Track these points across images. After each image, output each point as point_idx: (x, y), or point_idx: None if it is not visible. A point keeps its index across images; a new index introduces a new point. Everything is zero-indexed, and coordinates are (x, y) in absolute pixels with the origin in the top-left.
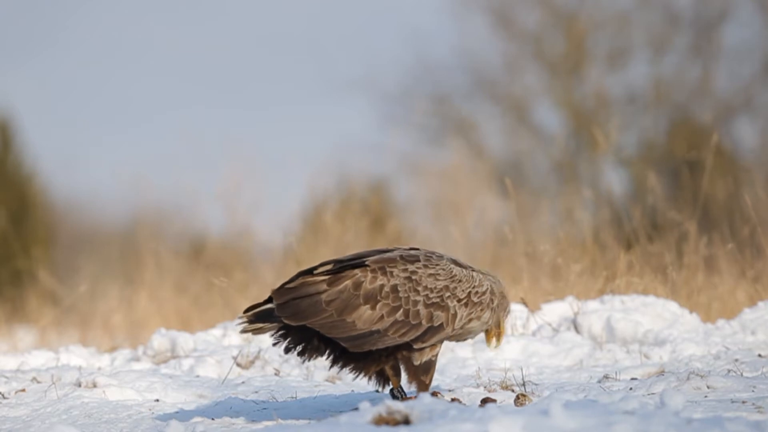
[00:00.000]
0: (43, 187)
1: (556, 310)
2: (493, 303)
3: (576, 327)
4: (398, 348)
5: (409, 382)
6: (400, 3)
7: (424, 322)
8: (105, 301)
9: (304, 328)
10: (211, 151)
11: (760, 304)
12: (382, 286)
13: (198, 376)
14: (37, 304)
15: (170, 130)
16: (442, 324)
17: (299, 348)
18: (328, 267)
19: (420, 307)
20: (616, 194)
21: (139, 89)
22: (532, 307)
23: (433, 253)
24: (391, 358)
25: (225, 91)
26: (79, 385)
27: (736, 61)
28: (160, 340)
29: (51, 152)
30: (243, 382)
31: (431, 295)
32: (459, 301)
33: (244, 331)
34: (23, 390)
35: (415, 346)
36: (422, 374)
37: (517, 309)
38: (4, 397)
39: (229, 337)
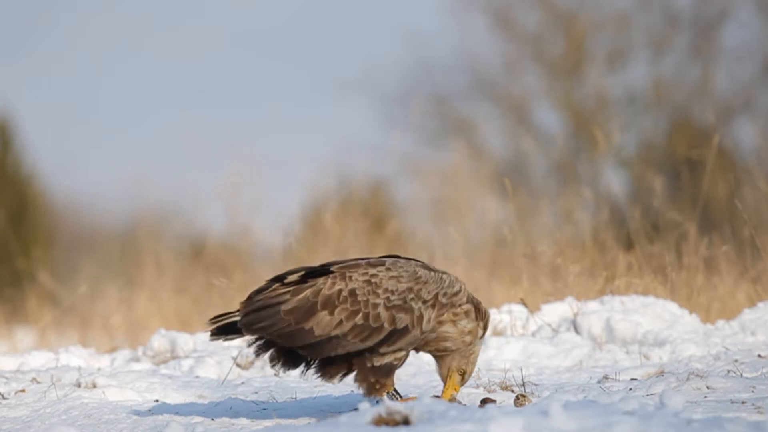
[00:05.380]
0: (42, 188)
1: (556, 311)
2: (474, 316)
3: (576, 328)
4: (364, 352)
5: (359, 383)
6: (400, 3)
7: (386, 324)
8: (105, 302)
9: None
10: (211, 152)
11: (760, 304)
12: (340, 291)
13: (198, 377)
14: (36, 304)
15: (170, 130)
16: (407, 326)
17: (281, 360)
18: (298, 275)
19: (380, 309)
20: (616, 195)
21: (140, 89)
22: (532, 308)
23: (410, 260)
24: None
25: (225, 91)
26: (79, 386)
27: (736, 62)
28: (159, 340)
29: (51, 152)
30: (243, 383)
31: (392, 298)
32: (425, 302)
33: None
34: (23, 390)
35: (381, 350)
36: (381, 376)
37: (516, 310)
38: (4, 398)
39: None
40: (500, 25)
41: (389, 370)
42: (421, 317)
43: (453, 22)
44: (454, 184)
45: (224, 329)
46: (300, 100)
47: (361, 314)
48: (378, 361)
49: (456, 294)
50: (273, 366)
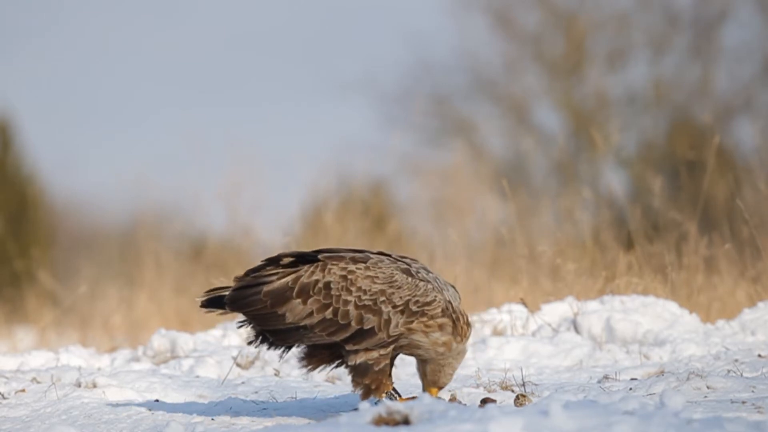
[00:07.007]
0: (42, 188)
1: (556, 311)
2: (450, 330)
3: (576, 327)
4: (338, 346)
5: (355, 386)
6: (400, 3)
7: (353, 323)
8: (105, 302)
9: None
10: (211, 151)
11: (760, 304)
12: (316, 282)
13: (198, 377)
14: (36, 304)
15: (170, 130)
16: (373, 328)
17: (259, 340)
18: (292, 259)
19: (350, 307)
20: (616, 195)
21: (140, 89)
22: (532, 308)
23: (402, 259)
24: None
25: (226, 91)
26: (79, 386)
27: (736, 62)
28: (160, 340)
29: (51, 152)
30: (243, 383)
31: (363, 297)
32: (395, 307)
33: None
34: (23, 390)
35: (347, 347)
36: (359, 376)
37: (516, 309)
38: (4, 398)
39: (229, 337)
40: (500, 25)
41: (365, 370)
42: (388, 321)
43: (453, 22)
44: (454, 184)
45: (215, 303)
46: (300, 100)
47: (331, 309)
48: (352, 360)
49: (428, 304)
50: (249, 344)
